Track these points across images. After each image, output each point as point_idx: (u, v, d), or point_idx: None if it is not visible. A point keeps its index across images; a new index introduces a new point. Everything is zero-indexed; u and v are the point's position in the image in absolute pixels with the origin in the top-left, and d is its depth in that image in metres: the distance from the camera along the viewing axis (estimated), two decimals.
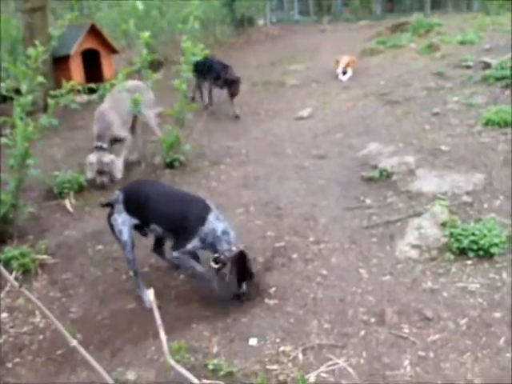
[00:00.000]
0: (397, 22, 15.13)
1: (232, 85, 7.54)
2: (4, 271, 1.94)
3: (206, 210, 3.72)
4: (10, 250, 4.46)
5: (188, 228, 3.69)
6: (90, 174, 5.83)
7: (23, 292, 1.97)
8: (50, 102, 4.80)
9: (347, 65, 9.31)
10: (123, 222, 3.87)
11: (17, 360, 3.55)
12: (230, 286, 3.64)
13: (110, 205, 3.98)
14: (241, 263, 3.64)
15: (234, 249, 3.65)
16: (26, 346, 3.67)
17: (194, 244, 3.69)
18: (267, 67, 11.29)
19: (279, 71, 10.61)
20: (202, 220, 3.66)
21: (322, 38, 14.91)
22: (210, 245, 3.70)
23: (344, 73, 9.28)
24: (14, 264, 4.34)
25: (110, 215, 3.95)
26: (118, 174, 5.91)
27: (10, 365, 3.51)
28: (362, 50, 11.50)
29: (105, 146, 5.81)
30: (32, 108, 4.82)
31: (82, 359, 2.74)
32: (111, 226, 3.96)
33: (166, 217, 3.80)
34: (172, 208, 3.81)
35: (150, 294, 2.55)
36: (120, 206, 3.88)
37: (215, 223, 3.68)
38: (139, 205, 3.86)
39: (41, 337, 3.72)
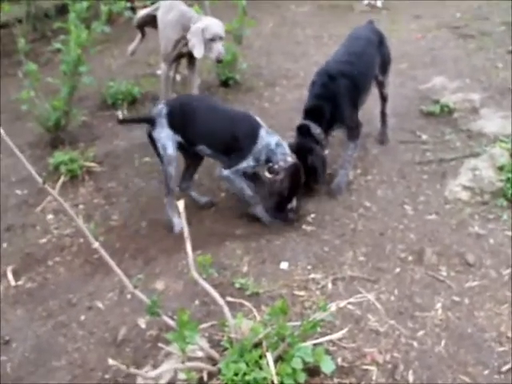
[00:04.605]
0: None
1: None
2: (28, 166, 1.93)
3: (257, 126, 3.60)
4: (60, 155, 4.54)
5: (240, 147, 3.58)
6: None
7: (46, 189, 1.96)
8: (103, 8, 4.71)
9: None
10: (167, 136, 3.67)
11: (57, 259, 3.70)
12: (280, 199, 3.61)
13: (146, 120, 3.80)
14: (294, 175, 3.57)
15: (289, 159, 3.58)
16: (67, 247, 3.80)
17: (247, 163, 3.61)
18: None
19: None
20: (254, 137, 3.56)
21: None
22: (266, 161, 3.61)
23: None
24: (63, 169, 4.43)
25: (150, 131, 3.71)
26: None
27: (50, 263, 3.67)
28: None
29: None
30: (87, 15, 4.71)
31: (117, 265, 2.78)
32: (152, 142, 3.74)
33: (216, 137, 3.64)
34: (221, 127, 3.63)
35: (180, 205, 2.51)
36: (163, 121, 3.66)
37: (267, 138, 3.58)
38: (185, 122, 3.66)
39: (81, 240, 3.83)
